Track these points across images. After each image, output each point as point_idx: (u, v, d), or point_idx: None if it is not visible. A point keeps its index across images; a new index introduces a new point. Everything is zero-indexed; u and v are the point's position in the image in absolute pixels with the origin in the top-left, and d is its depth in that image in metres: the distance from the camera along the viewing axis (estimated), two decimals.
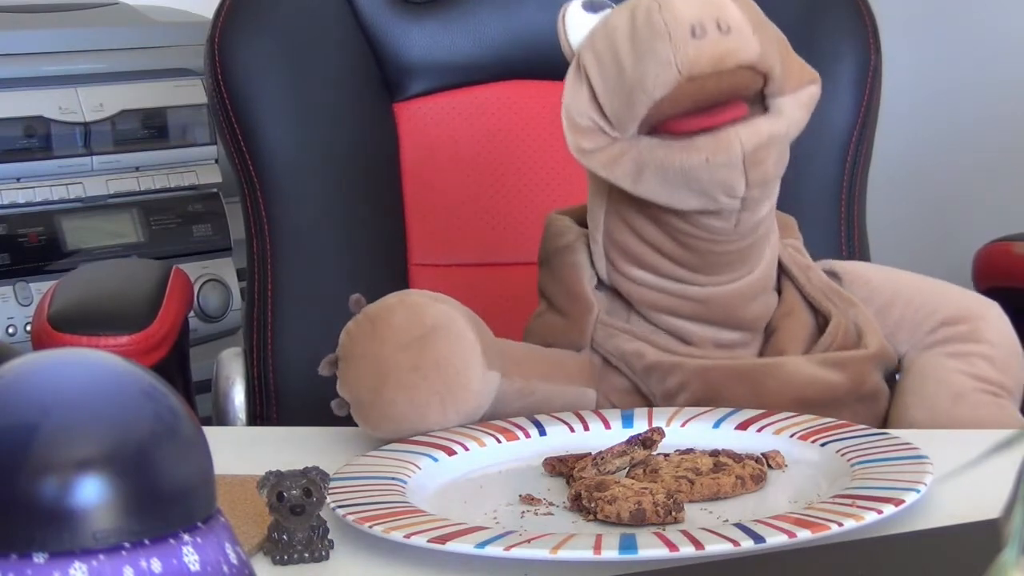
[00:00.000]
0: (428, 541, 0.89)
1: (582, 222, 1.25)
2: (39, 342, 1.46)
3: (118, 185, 2.18)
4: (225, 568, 0.64)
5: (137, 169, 2.20)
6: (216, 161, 2.25)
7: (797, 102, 1.14)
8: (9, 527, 0.61)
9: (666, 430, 1.08)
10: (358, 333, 1.13)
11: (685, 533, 0.87)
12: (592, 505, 0.95)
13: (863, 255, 1.57)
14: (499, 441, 1.11)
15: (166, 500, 0.63)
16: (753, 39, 1.10)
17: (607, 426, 1.14)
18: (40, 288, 2.05)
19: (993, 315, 1.26)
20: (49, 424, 0.62)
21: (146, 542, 0.62)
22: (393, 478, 1.02)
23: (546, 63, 1.54)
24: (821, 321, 1.24)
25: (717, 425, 1.12)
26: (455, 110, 1.60)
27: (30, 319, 1.96)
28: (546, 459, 1.08)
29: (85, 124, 2.15)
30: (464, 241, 1.58)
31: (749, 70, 1.11)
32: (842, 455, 1.03)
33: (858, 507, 0.90)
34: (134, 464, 0.62)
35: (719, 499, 0.99)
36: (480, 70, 1.60)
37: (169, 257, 2.09)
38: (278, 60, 1.54)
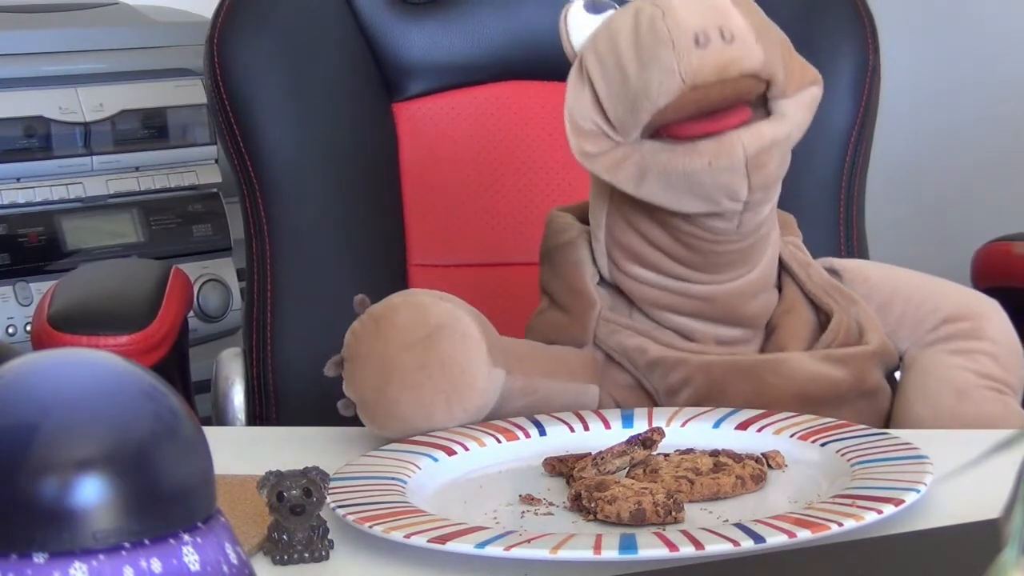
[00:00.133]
0: (428, 541, 0.89)
1: (584, 219, 1.25)
2: (39, 342, 1.46)
3: (118, 185, 2.18)
4: (225, 568, 0.64)
5: (137, 169, 2.20)
6: (216, 161, 2.25)
7: (799, 104, 1.14)
8: (9, 527, 0.61)
9: (666, 430, 1.08)
10: (363, 333, 1.13)
11: (685, 533, 0.87)
12: (592, 505, 0.95)
13: (862, 254, 1.57)
14: (499, 441, 1.11)
15: (166, 500, 0.63)
16: (756, 47, 1.10)
17: (607, 426, 1.14)
18: (40, 288, 2.05)
19: (994, 312, 1.26)
20: (49, 424, 0.62)
21: (146, 542, 0.62)
22: (393, 478, 1.02)
23: (546, 63, 1.54)
24: (822, 318, 1.25)
25: (717, 425, 1.12)
26: (454, 110, 1.60)
27: (30, 319, 1.96)
28: (546, 459, 1.08)
29: (85, 124, 2.15)
30: (464, 241, 1.58)
31: (752, 78, 1.11)
32: (842, 455, 1.03)
33: (858, 507, 0.90)
34: (134, 464, 0.62)
35: (719, 499, 0.99)
36: (479, 70, 1.60)
37: (169, 257, 2.09)
38: (277, 60, 1.54)
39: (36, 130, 2.11)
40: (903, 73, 2.41)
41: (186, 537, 0.63)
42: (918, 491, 0.93)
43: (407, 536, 0.90)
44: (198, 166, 2.25)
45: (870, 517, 0.89)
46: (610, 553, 0.86)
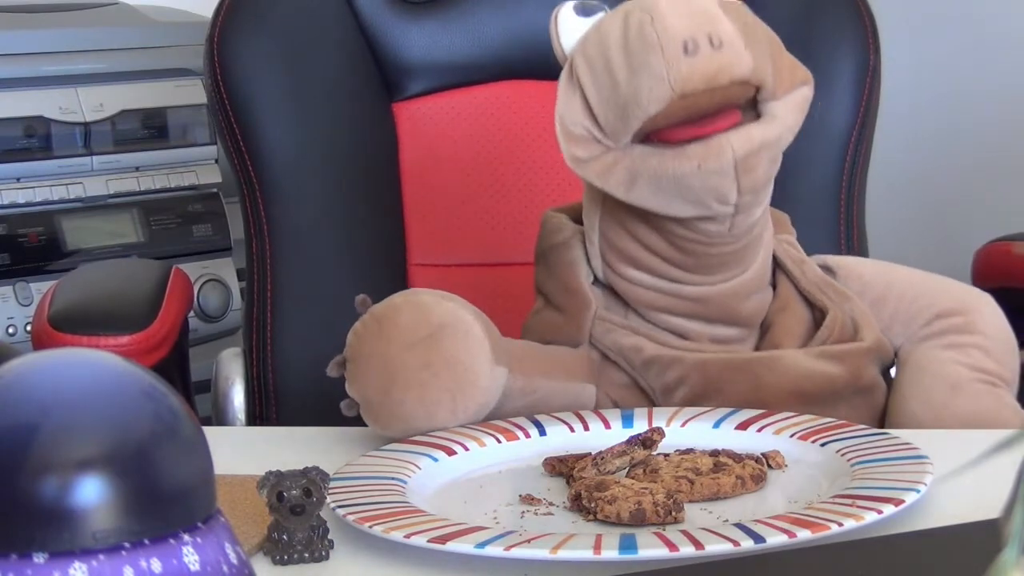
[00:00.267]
0: (428, 541, 0.89)
1: (578, 219, 1.26)
2: (39, 342, 1.46)
3: (118, 185, 2.18)
4: (225, 568, 0.64)
5: (137, 169, 2.20)
6: (216, 161, 2.25)
7: (789, 105, 1.14)
8: (9, 527, 0.61)
9: (666, 430, 1.08)
10: (365, 333, 1.13)
11: (685, 533, 0.87)
12: (592, 505, 0.95)
13: (862, 254, 1.57)
14: (499, 441, 1.11)
15: (166, 500, 0.63)
16: (745, 53, 1.10)
17: (607, 426, 1.14)
18: (40, 288, 2.05)
19: (987, 307, 1.26)
20: (49, 424, 0.62)
21: (146, 542, 0.62)
22: (393, 478, 1.02)
23: (545, 63, 1.53)
24: (817, 315, 1.25)
25: (717, 425, 1.12)
26: (454, 110, 1.60)
27: (30, 319, 1.96)
28: (546, 459, 1.08)
29: (85, 124, 2.15)
30: (464, 241, 1.58)
31: (742, 84, 1.11)
32: (842, 455, 1.03)
33: (858, 507, 0.90)
34: (134, 464, 0.62)
35: (719, 499, 0.99)
36: (479, 70, 1.60)
37: (169, 257, 2.09)
38: (277, 60, 1.54)
39: (36, 130, 2.11)
40: (903, 73, 2.41)
41: (186, 537, 0.63)
42: (918, 491, 0.93)
43: (407, 536, 0.90)
44: (198, 166, 2.25)
45: (870, 517, 0.89)
46: (610, 553, 0.86)
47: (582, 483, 0.98)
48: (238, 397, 1.54)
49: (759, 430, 1.10)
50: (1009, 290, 1.61)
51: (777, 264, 1.26)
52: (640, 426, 1.12)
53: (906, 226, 2.53)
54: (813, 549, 0.86)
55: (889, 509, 0.90)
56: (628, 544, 0.86)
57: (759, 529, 0.87)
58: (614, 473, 1.04)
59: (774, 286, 1.26)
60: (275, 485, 0.91)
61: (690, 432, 1.12)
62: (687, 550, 0.85)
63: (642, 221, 1.18)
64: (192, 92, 2.22)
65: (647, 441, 1.05)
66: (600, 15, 1.17)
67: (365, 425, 1.16)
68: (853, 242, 1.56)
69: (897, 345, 1.26)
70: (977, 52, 2.52)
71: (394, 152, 1.58)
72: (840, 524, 0.88)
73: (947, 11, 2.55)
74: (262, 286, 1.53)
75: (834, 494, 0.95)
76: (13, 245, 2.07)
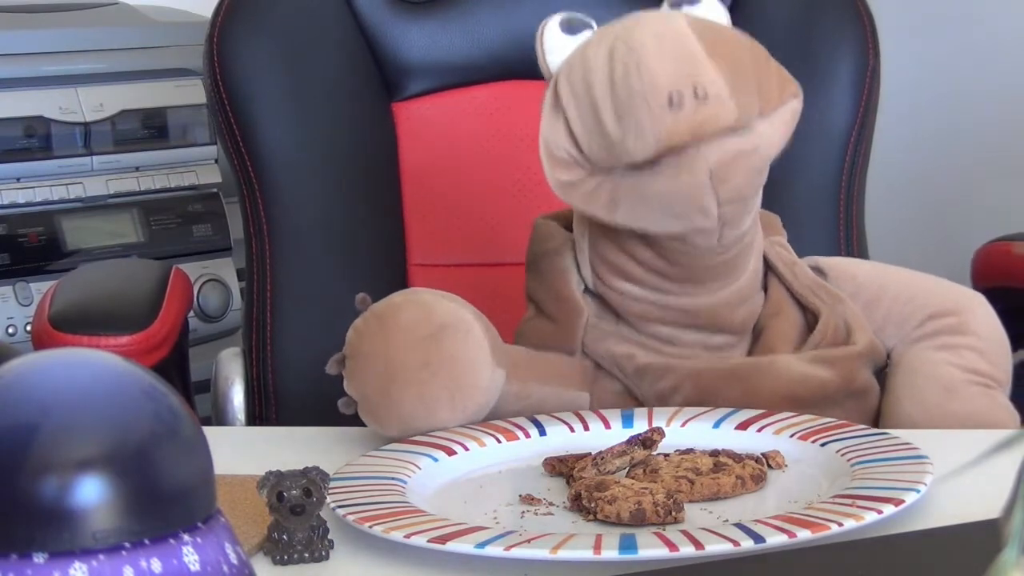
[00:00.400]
0: (428, 541, 0.89)
1: (569, 226, 1.26)
2: (39, 342, 1.46)
3: (118, 185, 2.18)
4: (225, 568, 0.64)
5: (137, 169, 2.20)
6: (216, 161, 2.25)
7: (776, 122, 1.14)
8: (9, 527, 0.61)
9: (666, 430, 1.08)
10: (366, 331, 1.13)
11: (685, 533, 0.87)
12: (592, 505, 0.95)
13: (862, 255, 1.57)
14: (499, 441, 1.11)
15: (166, 500, 0.63)
16: (730, 102, 1.10)
17: (607, 426, 1.14)
18: (40, 288, 2.05)
19: (980, 307, 1.26)
20: (49, 424, 0.62)
21: (146, 542, 0.62)
22: (393, 478, 1.02)
23: None
24: (810, 318, 1.25)
25: (717, 425, 1.12)
26: (454, 110, 1.60)
27: (30, 319, 1.96)
28: (546, 459, 1.08)
29: (85, 124, 2.15)
30: (463, 241, 1.58)
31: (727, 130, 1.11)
32: (842, 455, 1.03)
33: (858, 507, 0.90)
34: (134, 464, 0.62)
35: (719, 499, 0.99)
36: (479, 70, 1.60)
37: (169, 257, 2.09)
38: (277, 60, 1.54)
39: (36, 130, 2.11)
40: (903, 74, 2.41)
41: (186, 537, 0.63)
42: (918, 491, 0.93)
43: (407, 536, 0.90)
44: (198, 166, 2.25)
45: (870, 517, 0.89)
46: (610, 553, 0.86)
47: (582, 483, 0.98)
48: (237, 397, 1.54)
49: (759, 430, 1.10)
50: (1009, 290, 1.61)
51: (768, 267, 1.26)
52: (640, 426, 1.12)
53: (906, 226, 2.53)
54: (813, 549, 0.86)
55: (889, 509, 0.90)
56: (628, 544, 0.86)
57: (759, 529, 0.87)
58: (614, 473, 1.04)
59: (765, 289, 1.25)
60: (275, 485, 0.91)
61: (690, 432, 1.12)
62: (687, 550, 0.85)
63: (632, 235, 1.18)
64: (192, 92, 2.22)
65: (647, 441, 1.05)
66: (586, 33, 1.17)
67: (364, 425, 1.16)
68: (853, 242, 1.56)
69: (890, 346, 1.26)
70: (977, 52, 2.52)
71: (394, 152, 1.58)
72: (840, 524, 0.88)
73: (947, 11, 2.55)
74: (261, 286, 1.53)
75: (834, 494, 0.95)
76: (13, 245, 2.07)
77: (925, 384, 1.21)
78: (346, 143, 1.56)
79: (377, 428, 1.14)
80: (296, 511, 0.90)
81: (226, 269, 2.23)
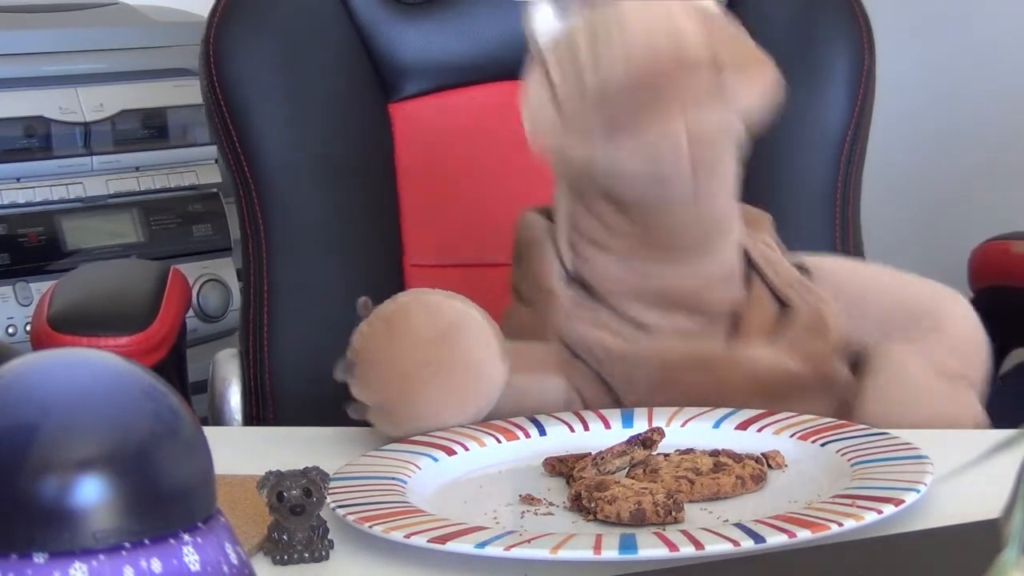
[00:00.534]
0: (428, 541, 0.89)
1: (552, 217, 1.26)
2: (39, 342, 1.46)
3: (118, 185, 2.18)
4: (225, 568, 0.64)
5: (137, 169, 2.20)
6: (216, 161, 2.25)
7: (749, 85, 1.17)
8: (9, 527, 0.61)
9: (666, 430, 1.08)
10: (373, 335, 1.13)
11: (685, 533, 0.87)
12: (592, 505, 0.95)
13: (858, 254, 1.57)
14: (499, 441, 1.11)
15: (166, 500, 0.63)
16: (706, 52, 1.13)
17: (607, 426, 1.14)
18: (40, 288, 2.05)
19: (955, 305, 1.26)
20: (49, 424, 0.62)
21: (146, 542, 0.62)
22: (393, 478, 1.02)
23: None
24: (789, 315, 1.25)
25: (717, 425, 1.12)
26: (450, 111, 1.60)
27: (30, 319, 1.96)
28: (546, 459, 1.08)
29: (85, 124, 2.15)
30: (460, 242, 1.58)
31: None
32: (842, 455, 1.03)
33: (858, 507, 0.90)
34: (134, 464, 0.62)
35: (719, 499, 0.99)
36: (475, 71, 1.60)
37: (169, 257, 2.09)
38: (273, 60, 1.54)
39: (36, 130, 2.11)
40: (901, 74, 2.41)
41: (186, 537, 0.63)
42: (918, 491, 0.93)
43: (407, 536, 0.90)
44: (198, 166, 2.25)
45: (870, 517, 0.89)
46: (610, 553, 0.86)
47: (582, 483, 0.98)
48: (234, 398, 1.54)
49: (759, 430, 1.10)
50: (1006, 289, 1.61)
51: (750, 264, 1.26)
52: (640, 426, 1.12)
53: (904, 225, 2.53)
54: (813, 549, 0.86)
55: (889, 509, 0.90)
56: (628, 544, 0.86)
57: (759, 529, 0.87)
58: (614, 473, 1.04)
59: (748, 287, 1.26)
60: (275, 485, 0.91)
61: (690, 432, 1.12)
62: (687, 550, 0.85)
63: (609, 203, 1.19)
64: (192, 92, 2.21)
65: (647, 441, 1.05)
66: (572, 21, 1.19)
67: (363, 425, 1.16)
68: (849, 241, 1.57)
69: (867, 343, 1.26)
70: (975, 52, 2.52)
71: (390, 153, 1.58)
72: (840, 524, 0.88)
73: (946, 11, 2.55)
74: (258, 287, 1.53)
75: (834, 494, 0.95)
76: (13, 245, 2.07)
77: (888, 384, 1.21)
78: (342, 144, 1.56)
79: (390, 431, 1.13)
80: (296, 511, 0.90)
81: (226, 269, 2.23)
